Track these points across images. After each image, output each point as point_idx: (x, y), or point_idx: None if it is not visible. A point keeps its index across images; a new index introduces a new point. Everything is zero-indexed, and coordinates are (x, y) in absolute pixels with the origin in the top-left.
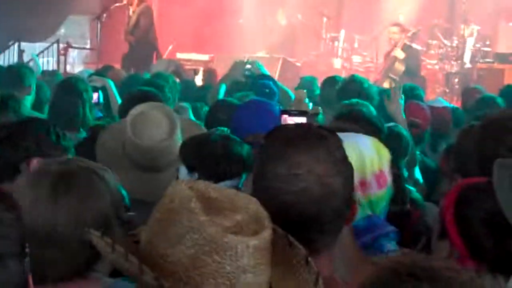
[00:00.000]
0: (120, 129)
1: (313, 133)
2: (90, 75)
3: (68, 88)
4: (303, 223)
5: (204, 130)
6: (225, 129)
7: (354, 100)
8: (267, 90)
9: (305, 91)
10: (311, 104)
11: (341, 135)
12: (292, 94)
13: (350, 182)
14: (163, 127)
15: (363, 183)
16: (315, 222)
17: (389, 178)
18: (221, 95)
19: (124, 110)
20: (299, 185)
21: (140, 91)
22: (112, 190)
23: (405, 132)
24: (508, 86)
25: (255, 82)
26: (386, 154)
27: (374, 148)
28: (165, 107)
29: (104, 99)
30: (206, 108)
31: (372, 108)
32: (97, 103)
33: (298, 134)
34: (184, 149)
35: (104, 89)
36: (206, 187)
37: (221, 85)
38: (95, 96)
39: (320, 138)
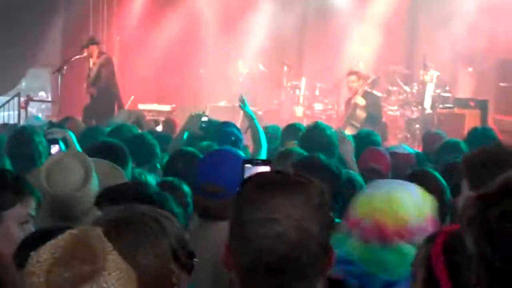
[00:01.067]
0: (36, 176)
1: (291, 179)
2: (50, 126)
3: (22, 140)
4: (280, 268)
5: (123, 174)
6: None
7: None
8: (232, 138)
9: (295, 142)
10: None
11: (391, 182)
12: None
13: (329, 228)
14: (78, 175)
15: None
16: (292, 267)
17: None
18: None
19: None
20: (276, 229)
21: (105, 142)
22: (169, 236)
23: (359, 178)
24: (475, 129)
25: (218, 130)
26: (433, 201)
27: (423, 195)
28: (80, 154)
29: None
30: (166, 158)
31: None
32: None
33: (277, 179)
34: (101, 198)
35: (64, 141)
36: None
37: (185, 133)
38: (55, 148)
39: (298, 184)
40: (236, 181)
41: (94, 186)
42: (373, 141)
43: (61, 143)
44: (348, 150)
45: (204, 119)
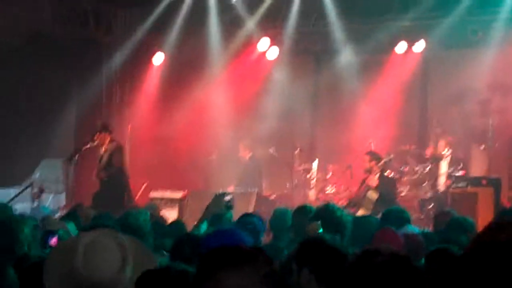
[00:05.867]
0: (70, 250)
1: (242, 252)
2: (61, 217)
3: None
4: None
5: (153, 257)
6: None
7: None
8: (250, 226)
9: (318, 222)
10: None
11: None
12: None
13: None
14: (115, 258)
15: None
16: None
17: None
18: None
19: None
20: None
21: (92, 226)
22: None
23: None
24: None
25: (240, 219)
26: None
27: None
28: (116, 234)
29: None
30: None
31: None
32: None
33: (227, 253)
34: (141, 284)
35: (65, 233)
36: None
37: (204, 221)
38: (54, 239)
39: (247, 256)
40: None
41: (131, 270)
42: (402, 217)
43: (62, 234)
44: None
45: (227, 198)
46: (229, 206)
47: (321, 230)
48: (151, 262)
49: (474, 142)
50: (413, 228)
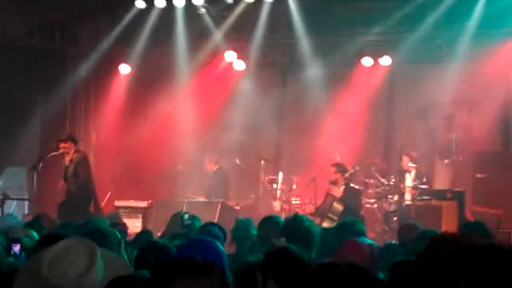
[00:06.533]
0: (36, 266)
1: (197, 264)
2: (25, 225)
3: None
4: None
5: (128, 265)
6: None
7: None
8: (210, 235)
9: (284, 239)
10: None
11: None
12: None
13: None
14: (82, 261)
15: None
16: None
17: None
18: None
19: None
20: None
21: (51, 234)
22: None
23: None
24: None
25: (201, 228)
26: None
27: None
28: (87, 241)
29: (25, 250)
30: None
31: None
32: (15, 255)
33: (182, 264)
34: None
35: (27, 241)
36: None
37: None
38: (17, 247)
39: (202, 268)
40: None
41: (99, 274)
42: (357, 230)
43: (26, 243)
44: None
45: (186, 216)
46: (186, 225)
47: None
48: (124, 269)
49: (438, 156)
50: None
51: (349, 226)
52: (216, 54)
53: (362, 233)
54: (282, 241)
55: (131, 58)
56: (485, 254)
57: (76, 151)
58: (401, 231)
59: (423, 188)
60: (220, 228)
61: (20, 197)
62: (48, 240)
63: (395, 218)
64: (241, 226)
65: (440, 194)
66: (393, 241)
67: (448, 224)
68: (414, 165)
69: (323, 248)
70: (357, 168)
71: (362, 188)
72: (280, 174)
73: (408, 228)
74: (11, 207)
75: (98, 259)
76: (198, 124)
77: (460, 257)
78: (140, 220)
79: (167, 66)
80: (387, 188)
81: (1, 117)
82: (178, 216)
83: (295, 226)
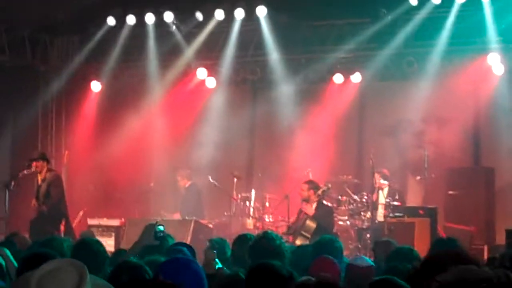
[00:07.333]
0: (24, 286)
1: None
2: None
3: None
4: None
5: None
6: None
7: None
8: (180, 255)
9: (215, 252)
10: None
11: None
12: None
13: None
14: (70, 285)
15: None
16: None
17: None
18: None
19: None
20: None
21: (35, 253)
22: None
23: None
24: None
25: (170, 248)
26: None
27: None
28: (77, 262)
29: None
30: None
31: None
32: None
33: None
34: None
35: (2, 258)
36: None
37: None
38: None
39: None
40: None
41: None
42: (335, 247)
43: (0, 260)
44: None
45: (160, 227)
46: (160, 237)
47: (217, 261)
48: None
49: (410, 173)
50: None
51: (327, 244)
52: (188, 71)
53: (340, 251)
54: (212, 254)
55: (102, 75)
56: None
57: (49, 170)
58: (377, 248)
59: (395, 205)
60: (190, 248)
61: None
62: (31, 259)
63: (368, 235)
64: (215, 247)
65: (412, 211)
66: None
67: (421, 241)
68: (386, 182)
69: (297, 266)
70: (329, 185)
71: (335, 205)
72: (253, 192)
73: (383, 244)
74: None
75: (87, 282)
76: (170, 141)
77: None
78: (113, 238)
79: (138, 83)
80: (359, 205)
81: None
82: (152, 227)
83: (264, 243)
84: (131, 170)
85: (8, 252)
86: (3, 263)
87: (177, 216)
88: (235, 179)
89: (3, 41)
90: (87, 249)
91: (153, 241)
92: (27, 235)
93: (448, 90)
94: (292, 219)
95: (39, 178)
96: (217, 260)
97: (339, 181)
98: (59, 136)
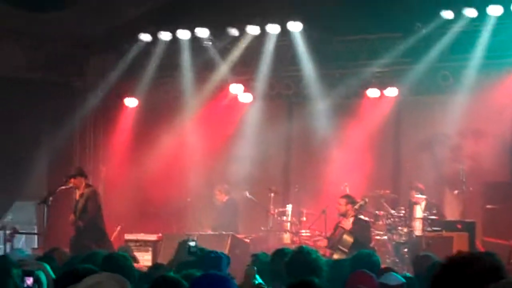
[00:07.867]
0: None
1: None
2: (37, 258)
3: None
4: None
5: None
6: None
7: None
8: (215, 261)
9: (255, 268)
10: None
11: None
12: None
13: None
14: None
15: None
16: None
17: None
18: None
19: None
20: None
21: (76, 268)
22: None
23: None
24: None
25: (206, 257)
26: None
27: None
28: (119, 277)
29: (38, 282)
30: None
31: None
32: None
33: None
34: None
35: (41, 273)
36: None
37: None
38: (30, 280)
39: None
40: None
41: None
42: (373, 262)
43: (39, 275)
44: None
45: (192, 243)
46: (192, 252)
47: (257, 276)
48: None
49: (447, 187)
50: (397, 276)
51: (365, 258)
52: (223, 86)
53: (378, 265)
54: (252, 271)
55: (137, 91)
56: None
57: (87, 185)
58: (416, 262)
59: (433, 219)
60: (225, 255)
61: (29, 231)
62: (70, 274)
63: (405, 250)
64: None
65: (450, 225)
66: (407, 274)
67: None
68: (423, 196)
69: (335, 280)
70: (366, 199)
71: (372, 220)
72: (289, 206)
73: (422, 258)
74: (20, 241)
75: None
76: (206, 156)
77: None
78: (150, 253)
79: (173, 98)
80: (396, 219)
81: (9, 152)
82: (184, 244)
83: (301, 258)
84: (167, 185)
85: (48, 267)
86: (44, 279)
87: (212, 231)
88: (272, 194)
89: (40, 58)
90: (113, 263)
91: (187, 257)
92: (66, 250)
93: (484, 104)
94: (329, 234)
95: (77, 193)
96: (257, 276)
97: (376, 196)
98: (96, 152)
